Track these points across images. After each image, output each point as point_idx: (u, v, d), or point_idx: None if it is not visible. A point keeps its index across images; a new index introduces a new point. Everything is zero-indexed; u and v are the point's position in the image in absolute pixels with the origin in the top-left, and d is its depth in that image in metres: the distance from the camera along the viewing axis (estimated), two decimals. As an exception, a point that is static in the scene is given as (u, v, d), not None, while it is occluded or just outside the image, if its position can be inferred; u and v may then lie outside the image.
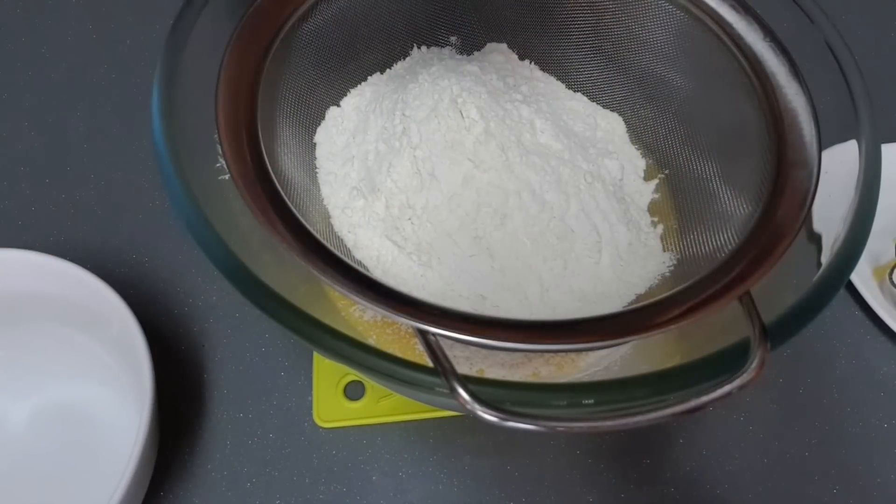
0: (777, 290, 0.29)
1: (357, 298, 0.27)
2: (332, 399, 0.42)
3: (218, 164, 0.32)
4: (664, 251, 0.39)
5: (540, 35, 0.44)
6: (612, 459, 0.42)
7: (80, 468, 0.39)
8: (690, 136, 0.41)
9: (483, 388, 0.25)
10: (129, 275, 0.47)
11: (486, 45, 0.45)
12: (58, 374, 0.42)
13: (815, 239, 0.31)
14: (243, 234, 0.29)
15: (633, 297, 0.36)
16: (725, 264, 0.30)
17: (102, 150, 0.53)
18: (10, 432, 0.40)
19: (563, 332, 0.27)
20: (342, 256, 0.29)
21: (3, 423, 0.40)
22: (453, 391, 0.24)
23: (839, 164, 0.32)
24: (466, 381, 0.24)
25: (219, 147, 0.31)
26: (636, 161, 0.44)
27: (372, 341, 0.37)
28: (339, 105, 0.42)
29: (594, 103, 0.45)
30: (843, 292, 0.48)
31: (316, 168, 0.40)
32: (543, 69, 0.45)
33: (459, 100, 0.39)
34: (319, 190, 0.39)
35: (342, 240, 0.38)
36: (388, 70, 0.44)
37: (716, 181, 0.38)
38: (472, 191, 0.38)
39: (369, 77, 0.44)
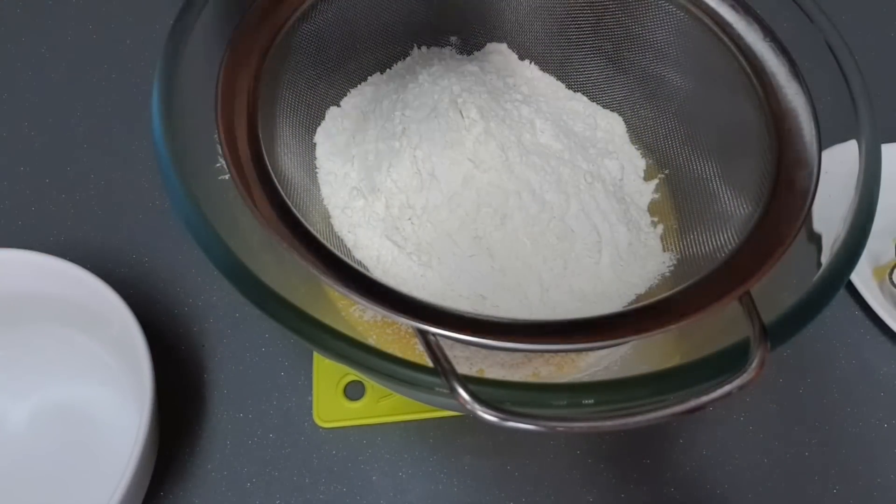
0: (777, 290, 0.29)
1: (357, 298, 0.27)
2: (332, 399, 0.42)
3: (218, 164, 0.32)
4: (664, 251, 0.39)
5: (540, 35, 0.44)
6: (612, 459, 0.42)
7: (80, 468, 0.39)
8: (690, 136, 0.41)
9: (483, 388, 0.25)
10: (129, 275, 0.47)
11: (486, 45, 0.45)
12: (58, 374, 0.42)
13: (815, 239, 0.31)
14: (243, 234, 0.29)
15: (633, 297, 0.36)
16: (725, 264, 0.30)
17: (102, 150, 0.53)
18: (10, 432, 0.40)
19: (563, 332, 0.27)
20: (342, 256, 0.29)
21: (3, 423, 0.40)
22: (453, 391, 0.24)
23: (839, 164, 0.32)
24: (466, 381, 0.24)
25: (219, 147, 0.31)
26: (636, 161, 0.44)
27: (372, 341, 0.37)
28: (339, 105, 0.42)
29: (594, 103, 0.45)
30: (843, 292, 0.48)
31: (316, 168, 0.40)
32: (543, 69, 0.45)
33: (459, 100, 0.39)
34: (319, 190, 0.39)
35: (342, 240, 0.38)
36: (388, 70, 0.45)
37: (716, 181, 0.38)
38: (472, 191, 0.38)
39: (369, 77, 0.44)
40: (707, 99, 0.39)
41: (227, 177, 0.31)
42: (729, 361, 0.26)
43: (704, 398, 0.25)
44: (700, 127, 0.40)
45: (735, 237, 0.33)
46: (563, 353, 0.38)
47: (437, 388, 0.25)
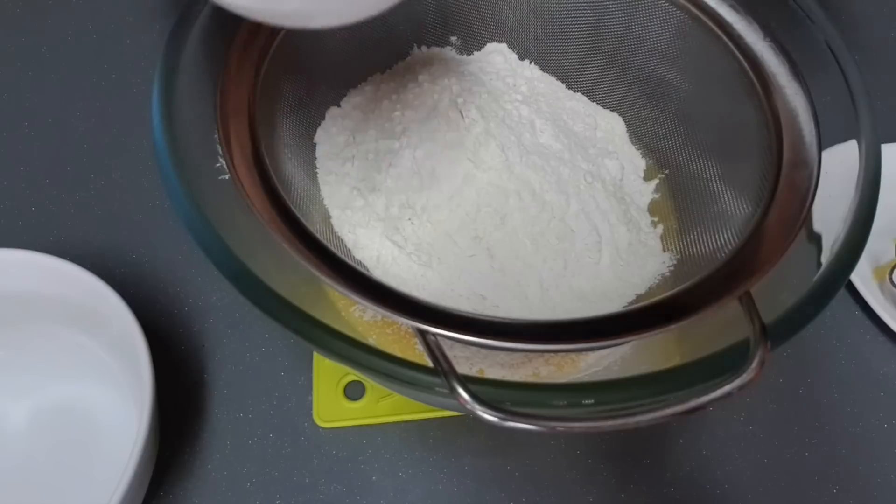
0: (777, 290, 0.29)
1: (357, 298, 0.27)
2: (332, 399, 0.42)
3: (218, 164, 0.32)
4: (664, 251, 0.39)
5: (540, 35, 0.44)
6: (612, 459, 0.41)
7: (79, 468, 0.39)
8: (690, 136, 0.41)
9: (483, 388, 0.25)
10: (129, 275, 0.47)
11: (486, 45, 0.45)
12: (58, 374, 0.42)
13: (815, 239, 0.31)
14: (243, 234, 0.29)
15: (633, 297, 0.36)
16: (725, 264, 0.30)
17: (102, 150, 0.53)
18: (9, 432, 0.40)
19: (563, 332, 0.27)
20: (342, 256, 0.29)
21: (2, 423, 0.40)
22: (453, 391, 0.24)
23: (839, 164, 0.32)
24: (466, 381, 0.24)
25: (219, 147, 0.31)
26: (636, 161, 0.44)
27: (372, 341, 0.37)
28: (339, 105, 0.42)
29: (594, 103, 0.45)
30: (843, 292, 0.48)
31: (316, 168, 0.40)
32: (543, 69, 0.45)
33: (459, 100, 0.39)
34: (319, 190, 0.39)
35: (342, 240, 0.38)
36: (388, 70, 0.44)
37: (716, 181, 0.38)
38: (472, 191, 0.38)
39: (369, 77, 0.44)
40: (707, 99, 0.39)
41: (227, 177, 0.31)
42: (729, 361, 0.26)
43: (704, 398, 0.25)
44: (700, 127, 0.40)
45: (735, 237, 0.33)
46: (563, 353, 0.38)
47: (437, 388, 0.25)
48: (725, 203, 0.36)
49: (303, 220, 0.30)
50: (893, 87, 0.57)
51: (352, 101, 0.43)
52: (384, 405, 0.42)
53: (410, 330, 0.28)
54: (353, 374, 0.43)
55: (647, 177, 0.43)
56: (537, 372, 0.38)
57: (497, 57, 0.45)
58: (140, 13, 0.60)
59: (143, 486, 0.35)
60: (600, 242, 0.38)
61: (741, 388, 0.25)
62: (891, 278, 0.46)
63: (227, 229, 0.29)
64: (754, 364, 0.25)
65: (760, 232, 0.31)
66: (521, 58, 0.45)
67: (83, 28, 0.60)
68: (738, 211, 0.34)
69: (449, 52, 0.45)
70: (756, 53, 0.36)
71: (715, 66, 0.38)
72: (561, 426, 0.24)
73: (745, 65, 0.36)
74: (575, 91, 0.45)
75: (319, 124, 0.41)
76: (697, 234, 0.37)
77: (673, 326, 0.27)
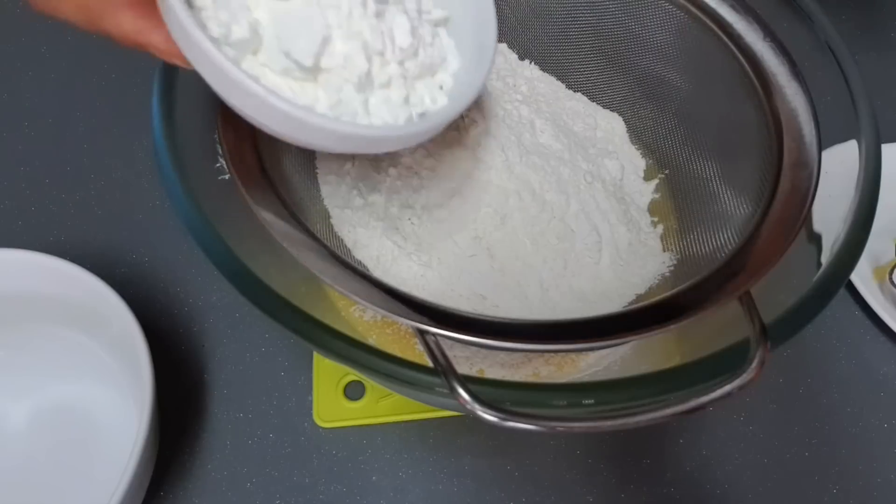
0: (777, 290, 0.29)
1: (357, 298, 0.27)
2: (332, 399, 0.42)
3: (218, 164, 0.32)
4: (664, 251, 0.39)
5: (540, 35, 0.44)
6: (612, 459, 0.42)
7: (79, 468, 0.39)
8: (690, 136, 0.41)
9: (483, 388, 0.25)
10: (129, 275, 0.47)
11: (486, 45, 0.45)
12: (58, 374, 0.42)
13: (815, 239, 0.31)
14: (243, 234, 0.29)
15: (633, 297, 0.36)
16: (725, 264, 0.30)
17: (102, 150, 0.53)
18: (9, 432, 0.40)
19: (563, 332, 0.27)
20: (342, 256, 0.29)
21: (2, 423, 0.40)
22: (453, 391, 0.24)
23: (839, 164, 0.32)
24: (466, 381, 0.24)
25: (219, 147, 0.31)
26: (636, 161, 0.44)
27: (372, 341, 0.37)
28: (339, 105, 0.42)
29: (594, 103, 0.45)
30: (843, 292, 0.48)
31: (316, 168, 0.40)
32: (543, 69, 0.45)
33: (459, 100, 0.39)
34: (319, 190, 0.39)
35: (342, 240, 0.38)
36: (388, 70, 0.44)
37: (716, 181, 0.38)
38: (471, 190, 0.38)
39: (369, 77, 0.44)
40: (707, 99, 0.39)
41: (227, 177, 0.31)
42: (729, 361, 0.26)
43: (704, 398, 0.25)
44: (700, 127, 0.40)
45: (735, 237, 0.33)
46: (563, 353, 0.38)
47: (437, 388, 0.25)
48: (725, 203, 0.36)
49: (303, 220, 0.30)
50: (893, 87, 0.57)
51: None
52: (384, 405, 0.42)
53: (410, 330, 0.28)
54: (353, 374, 0.43)
55: (647, 177, 0.43)
56: (537, 372, 0.38)
57: (497, 57, 0.45)
58: (140, 13, 0.60)
59: (143, 486, 0.35)
60: (600, 242, 0.38)
61: (741, 388, 0.25)
62: (891, 278, 0.46)
63: (227, 229, 0.29)
64: (754, 364, 0.25)
65: (760, 232, 0.31)
66: (521, 58, 0.45)
67: (83, 28, 0.59)
68: (738, 211, 0.34)
69: (449, 52, 0.45)
70: (756, 53, 0.36)
71: (715, 66, 0.38)
72: (561, 426, 0.24)
73: (745, 65, 0.36)
74: (575, 91, 0.45)
75: (319, 124, 0.41)
76: (697, 234, 0.37)
77: (673, 326, 0.27)
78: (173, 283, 0.47)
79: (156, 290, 0.46)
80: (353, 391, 0.43)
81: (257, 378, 0.43)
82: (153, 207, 0.50)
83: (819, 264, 0.30)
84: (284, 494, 0.40)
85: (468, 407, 0.24)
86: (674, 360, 0.28)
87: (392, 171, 0.38)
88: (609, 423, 0.24)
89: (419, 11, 0.29)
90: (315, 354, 0.43)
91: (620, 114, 0.45)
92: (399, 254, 0.36)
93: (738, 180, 0.36)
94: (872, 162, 0.32)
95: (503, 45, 0.45)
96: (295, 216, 0.30)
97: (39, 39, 0.59)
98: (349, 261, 0.29)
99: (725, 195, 0.36)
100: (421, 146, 0.38)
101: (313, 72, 0.26)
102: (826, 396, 0.44)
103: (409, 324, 0.26)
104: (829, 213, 0.31)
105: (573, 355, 0.39)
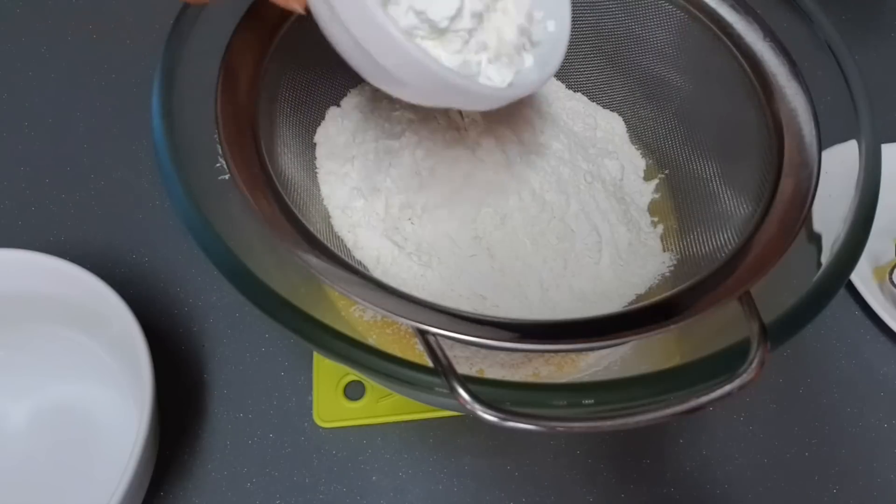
0: (777, 290, 0.29)
1: (357, 298, 0.27)
2: (332, 399, 0.42)
3: (218, 164, 0.32)
4: (664, 251, 0.39)
5: (540, 35, 0.44)
6: (612, 459, 0.42)
7: (79, 468, 0.39)
8: (690, 136, 0.41)
9: (483, 388, 0.25)
10: (129, 275, 0.47)
11: (486, 44, 0.45)
12: (58, 374, 0.42)
13: (815, 239, 0.31)
14: (243, 234, 0.29)
15: (633, 297, 0.36)
16: (725, 264, 0.30)
17: (102, 150, 0.53)
18: (9, 432, 0.40)
19: (563, 332, 0.27)
20: (342, 256, 0.29)
21: (2, 423, 0.40)
22: (453, 391, 0.24)
23: (839, 164, 0.32)
24: (466, 381, 0.24)
25: (219, 147, 0.31)
26: (636, 161, 0.44)
27: (372, 341, 0.37)
28: (339, 105, 0.42)
29: (594, 103, 0.45)
30: (843, 292, 0.48)
31: (316, 168, 0.40)
32: (543, 69, 0.45)
33: (459, 100, 0.39)
34: (319, 190, 0.39)
35: (342, 240, 0.38)
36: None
37: (716, 181, 0.38)
38: (472, 190, 0.38)
39: (370, 77, 0.44)
40: (707, 99, 0.39)
41: (227, 177, 0.31)
42: (729, 361, 0.26)
43: (704, 398, 0.25)
44: (700, 127, 0.40)
45: (735, 237, 0.33)
46: (563, 353, 0.38)
47: (437, 388, 0.25)
48: (725, 203, 0.36)
49: (303, 220, 0.30)
50: (893, 87, 0.57)
51: (352, 101, 0.43)
52: (384, 405, 0.42)
53: (410, 330, 0.28)
54: (353, 374, 0.43)
55: (647, 177, 0.43)
56: (537, 372, 0.38)
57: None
58: (140, 13, 0.60)
59: (143, 486, 0.35)
60: (600, 242, 0.38)
61: (741, 388, 0.25)
62: (891, 278, 0.46)
63: (227, 229, 0.29)
64: (754, 364, 0.25)
65: (760, 232, 0.31)
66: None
67: (83, 28, 0.60)
68: (738, 211, 0.34)
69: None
70: (756, 53, 0.36)
71: (715, 66, 0.38)
72: (561, 426, 0.24)
73: (745, 65, 0.36)
74: (575, 91, 0.45)
75: (319, 124, 0.41)
76: (697, 234, 0.37)
77: (673, 326, 0.27)
78: (173, 283, 0.47)
79: (156, 290, 0.46)
80: (353, 391, 0.43)
81: (257, 378, 0.43)
82: (153, 207, 0.50)
83: (819, 264, 0.30)
84: (284, 494, 0.40)
85: (468, 407, 0.24)
86: (674, 360, 0.28)
87: (392, 171, 0.38)
88: (609, 423, 0.24)
89: None
90: (315, 354, 0.43)
91: (620, 114, 0.45)
92: (399, 254, 0.36)
93: (738, 180, 0.36)
94: (872, 162, 0.32)
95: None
96: (295, 216, 0.30)
97: (39, 39, 0.59)
98: (349, 261, 0.29)
99: (725, 195, 0.36)
100: (421, 146, 0.38)
101: (441, 32, 0.27)
102: (826, 396, 0.44)
103: (409, 324, 0.26)
104: (829, 213, 0.31)
105: (573, 355, 0.39)
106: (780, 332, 0.27)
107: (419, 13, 0.27)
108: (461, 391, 0.24)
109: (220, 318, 0.45)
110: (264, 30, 0.35)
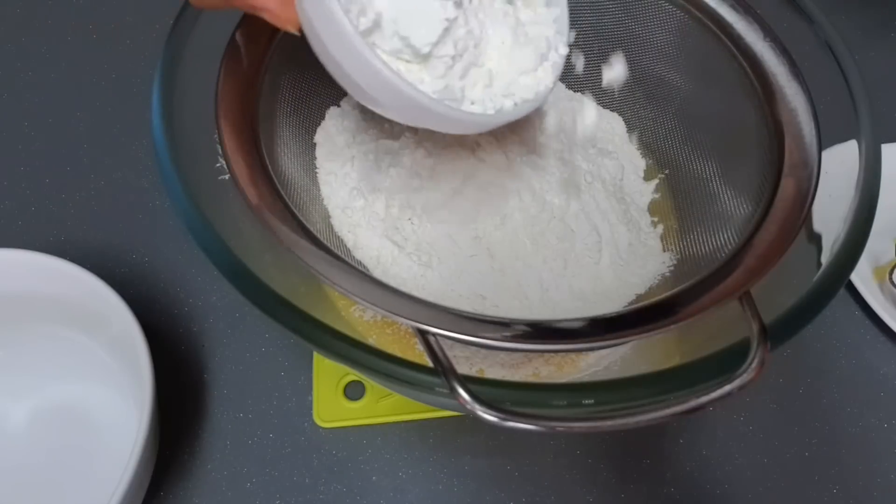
0: (777, 290, 0.29)
1: (357, 298, 0.27)
2: (332, 399, 0.42)
3: (218, 164, 0.32)
4: (664, 251, 0.39)
5: (540, 35, 0.44)
6: (612, 459, 0.42)
7: (79, 468, 0.39)
8: (690, 136, 0.41)
9: (483, 388, 0.25)
10: (129, 275, 0.47)
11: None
12: (58, 374, 0.42)
13: (815, 239, 0.31)
14: (243, 233, 0.29)
15: (633, 297, 0.36)
16: (725, 264, 0.30)
17: (102, 150, 0.53)
18: (9, 432, 0.40)
19: (563, 332, 0.27)
20: (342, 256, 0.29)
21: (2, 423, 0.40)
22: (453, 391, 0.24)
23: (839, 164, 0.32)
24: (466, 381, 0.24)
25: (219, 147, 0.31)
26: (636, 161, 0.44)
27: (372, 341, 0.37)
28: (339, 105, 0.42)
29: (594, 103, 0.45)
30: (843, 292, 0.48)
31: (316, 168, 0.40)
32: (543, 69, 0.45)
33: (459, 100, 0.39)
34: (319, 190, 0.39)
35: (342, 240, 0.38)
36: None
37: (716, 181, 0.38)
38: (472, 190, 0.38)
39: (369, 77, 0.44)
40: (707, 99, 0.39)
41: (227, 177, 0.31)
42: (729, 361, 0.26)
43: (704, 398, 0.25)
44: (700, 127, 0.40)
45: (735, 237, 0.33)
46: (563, 353, 0.38)
47: (437, 388, 0.25)
48: (725, 203, 0.36)
49: (303, 220, 0.30)
50: (893, 87, 0.57)
51: (352, 101, 0.43)
52: (384, 405, 0.42)
53: (410, 330, 0.28)
54: (353, 374, 0.43)
55: (647, 177, 0.43)
56: (537, 372, 0.38)
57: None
58: (140, 13, 0.60)
59: (143, 486, 0.35)
60: (600, 242, 0.38)
61: (741, 388, 0.25)
62: (891, 278, 0.46)
63: (227, 229, 0.29)
64: (754, 364, 0.25)
65: (760, 232, 0.31)
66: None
67: (83, 28, 0.60)
68: (738, 211, 0.34)
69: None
70: (756, 53, 0.36)
71: (715, 66, 0.38)
72: (561, 426, 0.24)
73: (745, 65, 0.36)
74: (575, 91, 0.45)
75: (319, 124, 0.41)
76: (697, 234, 0.37)
77: (673, 326, 0.27)
78: (173, 283, 0.47)
79: (156, 290, 0.46)
80: (353, 391, 0.43)
81: (257, 378, 0.43)
82: (153, 207, 0.50)
83: (819, 264, 0.30)
84: (284, 494, 0.40)
85: (468, 407, 0.24)
86: (674, 360, 0.27)
87: (392, 171, 0.38)
88: (609, 423, 0.24)
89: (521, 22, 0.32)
90: (315, 354, 0.43)
91: (620, 114, 0.45)
92: (399, 254, 0.36)
93: (738, 180, 0.36)
94: (872, 162, 0.32)
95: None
96: (295, 216, 0.30)
97: (39, 39, 0.59)
98: (349, 261, 0.29)
99: (725, 195, 0.36)
100: (421, 146, 0.38)
101: (424, 58, 0.28)
102: (826, 396, 0.44)
103: (409, 324, 0.26)
104: (829, 213, 0.31)
105: (573, 355, 0.39)
106: (780, 332, 0.27)
107: (403, 38, 0.27)
108: (461, 391, 0.24)
109: (220, 318, 0.45)
110: (264, 30, 0.35)
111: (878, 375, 0.45)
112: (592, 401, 0.25)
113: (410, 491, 0.40)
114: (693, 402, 0.25)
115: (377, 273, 0.36)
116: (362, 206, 0.38)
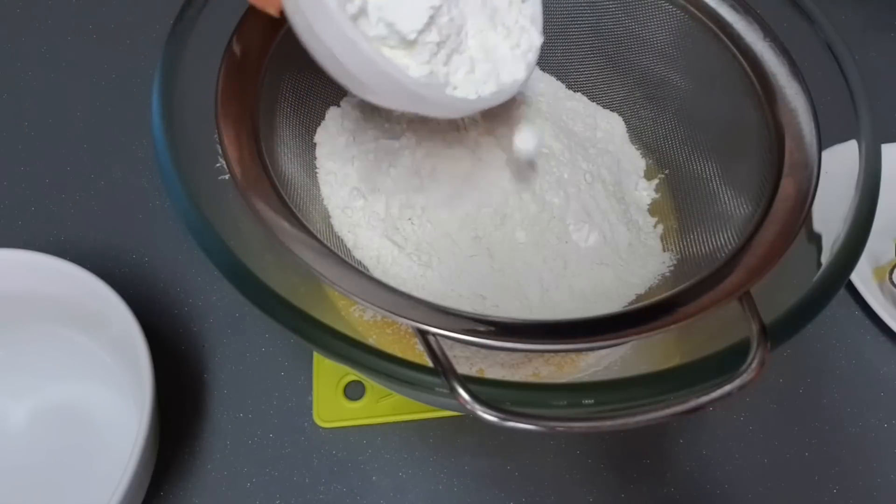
0: (777, 290, 0.29)
1: (357, 298, 0.27)
2: (332, 399, 0.42)
3: (218, 164, 0.32)
4: (664, 251, 0.39)
5: (540, 35, 0.44)
6: (612, 459, 0.42)
7: (80, 468, 0.39)
8: (690, 136, 0.41)
9: (483, 388, 0.25)
10: (129, 275, 0.47)
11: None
12: (58, 374, 0.42)
13: (815, 239, 0.31)
14: (243, 233, 0.29)
15: (633, 297, 0.36)
16: (725, 264, 0.30)
17: (102, 150, 0.53)
18: (10, 432, 0.40)
19: (563, 332, 0.27)
20: (342, 256, 0.29)
21: (3, 423, 0.40)
22: (453, 391, 0.24)
23: (839, 164, 0.32)
24: (466, 381, 0.24)
25: (219, 147, 0.31)
26: (636, 161, 0.44)
27: (372, 341, 0.37)
28: (339, 105, 0.42)
29: (594, 103, 0.45)
30: (843, 292, 0.48)
31: (316, 168, 0.40)
32: (543, 69, 0.45)
33: (459, 100, 0.39)
34: (319, 190, 0.39)
35: (342, 240, 0.38)
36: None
37: (716, 181, 0.38)
38: (472, 190, 0.38)
39: (369, 77, 0.44)
40: (707, 99, 0.39)
41: (227, 177, 0.31)
42: (729, 361, 0.26)
43: (704, 398, 0.25)
44: (700, 127, 0.40)
45: (735, 237, 0.33)
46: (563, 353, 0.38)
47: (437, 388, 0.25)
48: (725, 203, 0.36)
49: (303, 220, 0.30)
50: (893, 87, 0.57)
51: (352, 100, 0.43)
52: (384, 405, 0.42)
53: (410, 330, 0.28)
54: (353, 374, 0.43)
55: (647, 177, 0.43)
56: (537, 372, 0.38)
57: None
58: (140, 13, 0.60)
59: (143, 486, 0.35)
60: (600, 242, 0.38)
61: (741, 388, 0.25)
62: (891, 278, 0.46)
63: (227, 229, 0.29)
64: (754, 364, 0.25)
65: (760, 232, 0.31)
66: (521, 58, 0.45)
67: (83, 28, 0.60)
68: (738, 211, 0.34)
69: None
70: (756, 53, 0.36)
71: (715, 66, 0.38)
72: (561, 426, 0.24)
73: (745, 65, 0.36)
74: (575, 91, 0.45)
75: (319, 124, 0.41)
76: (697, 234, 0.37)
77: (673, 326, 0.27)
78: (173, 283, 0.47)
79: (156, 290, 0.46)
80: (353, 391, 0.43)
81: (257, 378, 0.43)
82: (153, 207, 0.50)
83: (819, 264, 0.30)
84: (284, 494, 0.40)
85: (468, 407, 0.24)
86: (674, 360, 0.27)
87: (392, 171, 0.38)
88: (609, 423, 0.24)
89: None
90: (315, 354, 0.43)
91: (620, 114, 0.45)
92: (399, 254, 0.36)
93: (738, 180, 0.36)
94: (872, 162, 0.32)
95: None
96: (295, 216, 0.30)
97: (39, 39, 0.59)
98: (349, 261, 0.29)
99: (725, 195, 0.36)
100: (421, 146, 0.38)
101: (410, 44, 0.28)
102: (826, 396, 0.44)
103: (409, 324, 0.26)
104: (829, 213, 0.31)
105: (573, 355, 0.39)
106: (780, 332, 0.27)
107: (389, 25, 0.28)
108: (461, 391, 0.24)
109: (220, 318, 0.45)
110: (264, 30, 0.35)
111: (878, 375, 0.45)
112: (592, 401, 0.25)
113: (410, 491, 0.40)
114: (693, 402, 0.25)
115: (377, 273, 0.36)
116: (362, 206, 0.38)
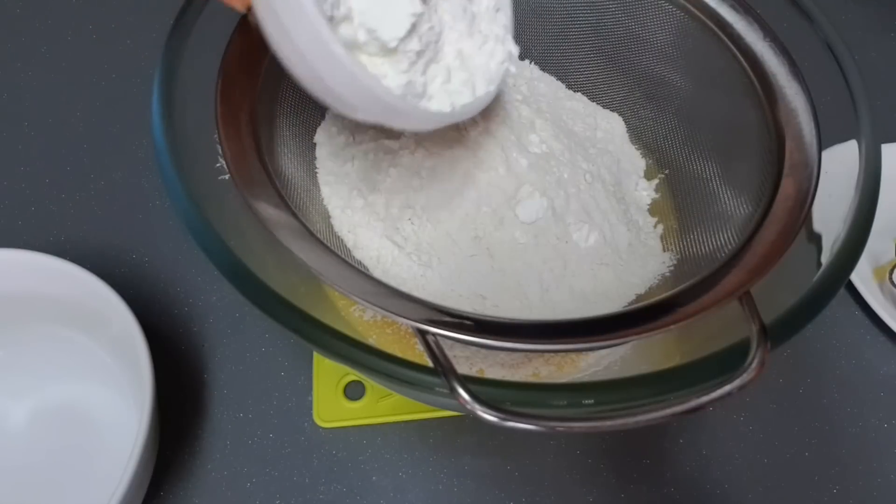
0: (777, 290, 0.29)
1: (357, 298, 0.27)
2: (332, 399, 0.42)
3: (218, 164, 0.32)
4: (664, 251, 0.39)
5: (540, 35, 0.44)
6: (612, 459, 0.41)
7: (79, 468, 0.39)
8: (690, 136, 0.41)
9: (483, 388, 0.25)
10: (129, 275, 0.47)
11: (486, 44, 0.45)
12: (58, 374, 0.42)
13: (815, 239, 0.31)
14: (243, 233, 0.29)
15: (633, 297, 0.36)
16: (725, 264, 0.30)
17: (102, 150, 0.53)
18: (10, 432, 0.40)
19: (563, 332, 0.27)
20: (342, 256, 0.29)
21: (3, 423, 0.40)
22: (453, 391, 0.24)
23: (839, 164, 0.32)
24: (466, 381, 0.24)
25: (219, 147, 0.31)
26: (636, 161, 0.44)
27: (372, 341, 0.37)
28: (339, 105, 0.42)
29: (594, 103, 0.45)
30: (843, 292, 0.48)
31: (316, 168, 0.40)
32: (543, 69, 0.45)
33: (459, 100, 0.39)
34: (319, 190, 0.39)
35: (342, 240, 0.38)
36: (388, 70, 0.44)
37: (716, 181, 0.38)
38: (472, 191, 0.38)
39: (369, 77, 0.44)
40: (707, 99, 0.39)
41: (227, 177, 0.31)
42: (729, 361, 0.26)
43: (704, 398, 0.25)
44: (700, 127, 0.40)
45: (735, 237, 0.33)
46: (563, 353, 0.38)
47: (437, 388, 0.25)
48: (725, 203, 0.36)
49: (303, 220, 0.30)
50: (893, 87, 0.57)
51: (352, 101, 0.42)
52: (384, 405, 0.42)
53: (410, 330, 0.28)
54: (353, 374, 0.43)
55: (647, 177, 0.43)
56: (537, 372, 0.38)
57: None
58: (140, 13, 0.60)
59: (143, 486, 0.35)
60: (600, 242, 0.38)
61: (741, 388, 0.25)
62: (891, 278, 0.46)
63: (227, 229, 0.29)
64: (754, 364, 0.25)
65: (760, 232, 0.31)
66: (521, 58, 0.45)
67: (83, 28, 0.60)
68: (738, 211, 0.34)
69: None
70: (756, 53, 0.36)
71: (715, 66, 0.38)
72: (561, 426, 0.24)
73: (745, 65, 0.36)
74: (575, 91, 0.45)
75: (319, 124, 0.41)
76: (697, 234, 0.37)
77: (673, 326, 0.27)
78: (173, 283, 0.47)
79: (156, 290, 0.46)
80: (353, 391, 0.43)
81: (257, 378, 0.43)
82: (153, 207, 0.50)
83: (819, 264, 0.30)
84: (284, 494, 0.40)
85: (468, 407, 0.24)
86: (674, 360, 0.27)
87: (392, 171, 0.38)
88: (609, 423, 0.24)
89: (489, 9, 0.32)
90: (315, 354, 0.43)
91: (620, 114, 0.45)
92: (399, 254, 0.36)
93: (738, 180, 0.36)
94: (872, 162, 0.32)
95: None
96: (295, 216, 0.30)
97: (39, 39, 0.59)
98: (349, 261, 0.29)
99: (725, 195, 0.36)
100: (421, 146, 0.38)
101: (390, 52, 0.28)
102: (826, 396, 0.44)
103: (409, 324, 0.26)
104: (829, 213, 0.31)
105: (573, 355, 0.39)
106: (780, 332, 0.27)
107: (370, 31, 0.27)
108: (461, 391, 0.24)
109: (220, 318, 0.46)
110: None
111: (878, 375, 0.45)
112: (592, 401, 0.25)
113: (410, 491, 0.40)
114: (693, 402, 0.25)
115: (377, 273, 0.36)
116: (362, 206, 0.38)
